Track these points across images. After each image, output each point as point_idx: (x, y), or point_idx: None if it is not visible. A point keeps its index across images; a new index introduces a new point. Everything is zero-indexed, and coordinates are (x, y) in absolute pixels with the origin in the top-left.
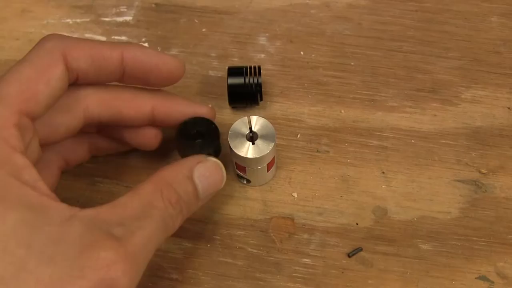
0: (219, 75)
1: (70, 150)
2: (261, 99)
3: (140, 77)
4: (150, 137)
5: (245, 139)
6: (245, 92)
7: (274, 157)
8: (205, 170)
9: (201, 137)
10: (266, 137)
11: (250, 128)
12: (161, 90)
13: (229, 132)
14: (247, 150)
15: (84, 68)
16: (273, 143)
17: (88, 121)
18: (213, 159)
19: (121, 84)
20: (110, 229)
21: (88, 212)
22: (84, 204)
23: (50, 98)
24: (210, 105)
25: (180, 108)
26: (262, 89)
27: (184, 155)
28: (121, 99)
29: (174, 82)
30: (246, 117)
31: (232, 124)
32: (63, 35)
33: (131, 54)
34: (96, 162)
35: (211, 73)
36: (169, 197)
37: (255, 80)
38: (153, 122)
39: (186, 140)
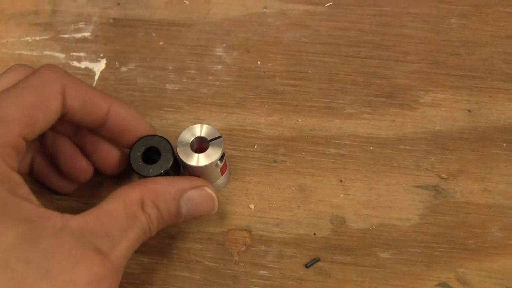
0: (176, 88)
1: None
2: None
3: (116, 133)
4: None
5: (191, 148)
6: None
7: (225, 161)
8: (196, 198)
9: (155, 155)
10: (214, 143)
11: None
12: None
13: (177, 143)
14: (197, 159)
15: (75, 108)
16: (221, 149)
17: (64, 111)
18: (209, 189)
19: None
20: (97, 241)
21: (77, 222)
22: None
23: (44, 126)
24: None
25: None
26: (219, 101)
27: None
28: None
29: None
30: (191, 127)
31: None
32: (62, 68)
33: (117, 109)
34: None
35: (168, 86)
36: (149, 212)
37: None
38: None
39: (139, 160)
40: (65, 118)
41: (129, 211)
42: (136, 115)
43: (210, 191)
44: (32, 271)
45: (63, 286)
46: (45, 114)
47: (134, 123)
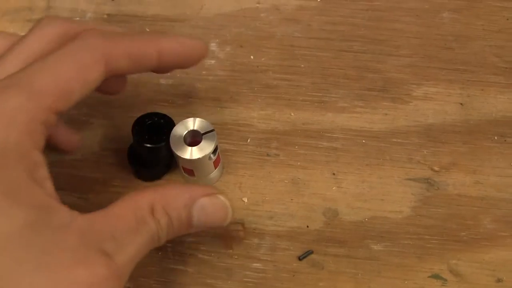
0: (170, 83)
1: None
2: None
3: (174, 65)
4: (117, 82)
5: (185, 142)
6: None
7: (219, 155)
8: (209, 206)
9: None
10: (207, 137)
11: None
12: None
13: (170, 136)
14: (190, 152)
15: (124, 66)
16: (214, 142)
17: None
18: (223, 197)
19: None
20: (103, 243)
21: (84, 221)
22: None
23: (81, 96)
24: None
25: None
26: (213, 95)
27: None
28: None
29: (200, 61)
30: (184, 120)
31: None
32: (101, 30)
33: (168, 46)
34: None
35: (162, 81)
36: (159, 218)
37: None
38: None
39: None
40: (114, 74)
41: (139, 215)
42: (188, 42)
43: (224, 199)
44: (31, 260)
45: (61, 283)
46: (82, 85)
47: (189, 49)
